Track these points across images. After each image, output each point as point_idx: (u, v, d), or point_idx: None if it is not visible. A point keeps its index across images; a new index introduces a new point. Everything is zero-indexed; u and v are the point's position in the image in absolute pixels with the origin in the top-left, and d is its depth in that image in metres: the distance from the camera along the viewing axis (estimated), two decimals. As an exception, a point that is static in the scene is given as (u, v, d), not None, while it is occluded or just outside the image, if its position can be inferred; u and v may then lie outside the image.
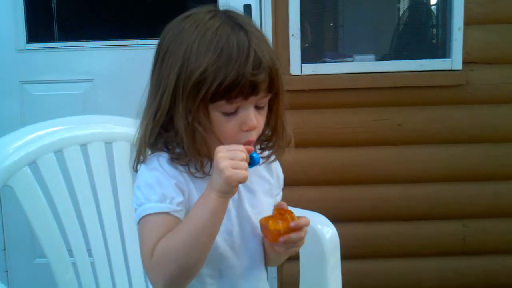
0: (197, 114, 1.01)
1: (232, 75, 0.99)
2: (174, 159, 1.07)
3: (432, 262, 2.50)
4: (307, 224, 1.07)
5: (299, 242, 1.08)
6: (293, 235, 1.06)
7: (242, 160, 0.98)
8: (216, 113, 1.03)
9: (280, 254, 1.13)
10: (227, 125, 1.04)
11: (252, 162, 1.01)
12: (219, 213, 1.00)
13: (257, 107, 1.06)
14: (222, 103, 1.01)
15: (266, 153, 1.15)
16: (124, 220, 1.56)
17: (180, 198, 1.05)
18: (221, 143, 1.04)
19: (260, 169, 1.17)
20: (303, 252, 1.44)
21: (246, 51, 1.00)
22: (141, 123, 1.09)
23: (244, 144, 1.05)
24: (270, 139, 1.14)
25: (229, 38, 1.00)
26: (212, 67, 0.99)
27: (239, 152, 0.99)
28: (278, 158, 1.17)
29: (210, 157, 1.05)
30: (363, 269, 2.48)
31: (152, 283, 1.04)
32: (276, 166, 1.23)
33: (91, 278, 1.50)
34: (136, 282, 1.57)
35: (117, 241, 1.55)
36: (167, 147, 1.09)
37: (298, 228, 1.06)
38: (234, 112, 1.03)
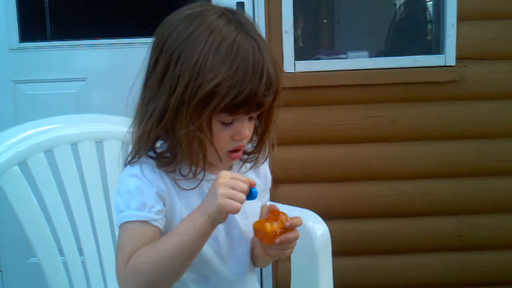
0: (201, 124, 1.01)
1: (244, 94, 0.98)
2: (162, 165, 1.06)
3: (427, 258, 2.49)
4: (300, 224, 1.07)
5: (294, 242, 1.08)
6: (289, 235, 1.05)
7: (241, 191, 0.98)
8: (214, 122, 1.02)
9: (274, 257, 1.13)
10: (221, 133, 1.04)
11: (249, 196, 1.02)
12: (203, 237, 1.00)
13: (250, 117, 1.06)
14: (224, 114, 1.01)
15: (251, 156, 1.15)
16: (115, 219, 1.55)
17: (160, 207, 1.04)
18: (215, 150, 1.04)
19: (248, 173, 1.17)
20: (294, 249, 1.45)
21: (260, 70, 0.99)
22: (140, 121, 1.06)
23: (235, 149, 1.06)
24: (256, 145, 1.14)
25: (246, 54, 0.99)
26: (226, 82, 0.97)
27: (241, 183, 0.99)
28: (262, 163, 1.17)
29: (204, 163, 1.06)
30: (357, 266, 2.48)
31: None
32: (264, 167, 1.23)
33: (82, 277, 1.50)
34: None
35: (108, 240, 1.55)
36: (154, 151, 1.07)
37: (293, 228, 1.06)
38: (230, 123, 1.03)
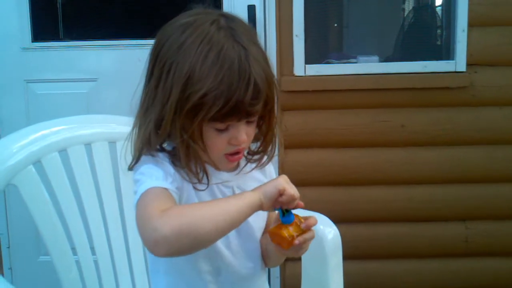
0: (192, 133, 1.02)
1: (231, 103, 0.99)
2: (175, 161, 1.07)
3: (435, 263, 2.50)
4: (315, 223, 1.08)
5: (310, 241, 1.09)
6: (307, 235, 1.07)
7: (296, 192, 1.04)
8: (207, 129, 1.04)
9: (288, 255, 1.15)
10: (217, 140, 1.05)
11: (287, 215, 1.06)
12: (246, 210, 1.01)
13: (248, 121, 1.07)
14: (216, 122, 1.03)
15: (256, 156, 1.17)
16: (127, 218, 1.57)
17: (177, 184, 1.05)
18: (209, 157, 1.06)
19: (254, 172, 1.18)
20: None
21: (246, 79, 1.00)
22: (140, 128, 1.08)
23: (234, 152, 1.08)
24: (261, 144, 1.16)
25: (232, 63, 0.99)
26: (212, 93, 0.98)
27: (296, 189, 1.05)
28: (267, 162, 1.18)
29: (203, 169, 1.08)
30: (365, 270, 2.49)
31: (148, 235, 0.96)
32: (270, 169, 1.24)
33: (94, 276, 1.51)
34: (139, 280, 1.58)
35: (120, 240, 1.56)
36: (161, 147, 1.09)
37: (309, 228, 1.08)
38: (225, 128, 1.05)
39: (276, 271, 2.49)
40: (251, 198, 1.01)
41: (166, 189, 1.02)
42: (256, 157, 1.17)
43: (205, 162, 1.08)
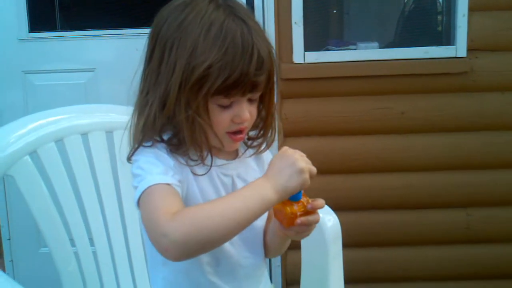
0: (197, 107, 1.02)
1: (236, 74, 0.99)
2: (174, 150, 1.06)
3: (436, 250, 2.49)
4: (322, 206, 1.06)
5: (313, 225, 1.07)
6: (310, 217, 1.05)
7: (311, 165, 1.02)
8: (211, 105, 1.04)
9: (289, 237, 1.13)
10: (220, 116, 1.05)
11: (295, 196, 1.02)
12: (265, 210, 1.00)
13: (250, 100, 1.07)
14: (219, 97, 1.03)
15: (255, 142, 1.16)
16: (125, 209, 1.56)
17: (179, 177, 1.04)
18: (214, 133, 1.05)
19: (249, 160, 1.18)
20: (305, 240, 1.43)
21: (250, 50, 1.01)
22: (140, 113, 1.07)
23: (238, 131, 1.07)
24: (260, 129, 1.15)
25: (234, 35, 1.00)
26: (217, 64, 0.99)
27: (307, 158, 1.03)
28: (266, 148, 1.18)
29: (209, 147, 1.07)
30: (366, 258, 2.48)
31: (159, 240, 0.95)
32: (268, 157, 1.22)
33: (93, 267, 1.50)
34: (138, 271, 1.58)
35: (118, 230, 1.55)
36: (161, 137, 1.08)
37: (314, 211, 1.06)
38: (229, 105, 1.05)
39: (277, 260, 2.49)
40: (267, 197, 0.98)
41: (169, 184, 1.01)
42: (255, 143, 1.16)
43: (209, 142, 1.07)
